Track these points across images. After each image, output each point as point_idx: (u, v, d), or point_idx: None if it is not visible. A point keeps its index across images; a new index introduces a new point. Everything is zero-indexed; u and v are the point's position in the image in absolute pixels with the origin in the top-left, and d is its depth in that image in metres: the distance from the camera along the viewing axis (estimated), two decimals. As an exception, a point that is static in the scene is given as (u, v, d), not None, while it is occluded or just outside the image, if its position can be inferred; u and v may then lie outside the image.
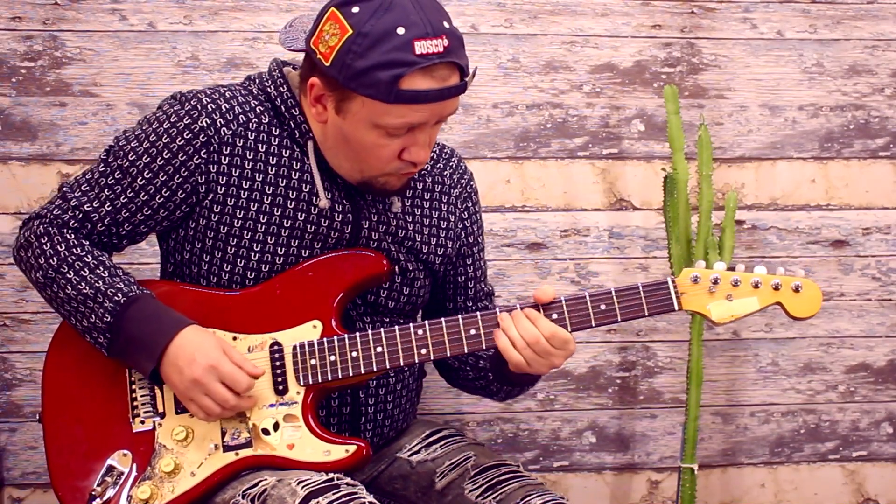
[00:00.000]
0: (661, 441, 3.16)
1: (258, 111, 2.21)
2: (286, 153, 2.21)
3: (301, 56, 2.20)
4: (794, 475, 3.21)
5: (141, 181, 2.18)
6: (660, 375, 3.14)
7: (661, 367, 3.14)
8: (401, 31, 2.00)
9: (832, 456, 3.22)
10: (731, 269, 2.17)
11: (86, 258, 2.16)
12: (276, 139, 2.21)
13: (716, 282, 2.15)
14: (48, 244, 2.17)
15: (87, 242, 2.19)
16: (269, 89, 2.23)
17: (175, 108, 2.19)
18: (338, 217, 2.22)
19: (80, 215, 2.20)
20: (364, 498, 2.01)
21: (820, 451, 3.21)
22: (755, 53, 3.09)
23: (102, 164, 2.22)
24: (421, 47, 2.00)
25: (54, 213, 2.20)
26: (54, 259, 2.16)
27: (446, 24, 2.05)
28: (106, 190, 2.20)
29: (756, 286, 2.15)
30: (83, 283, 2.13)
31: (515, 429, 3.11)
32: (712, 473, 3.19)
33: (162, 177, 2.17)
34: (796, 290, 2.15)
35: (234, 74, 2.90)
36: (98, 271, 2.15)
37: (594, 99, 3.05)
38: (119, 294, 2.12)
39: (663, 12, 3.05)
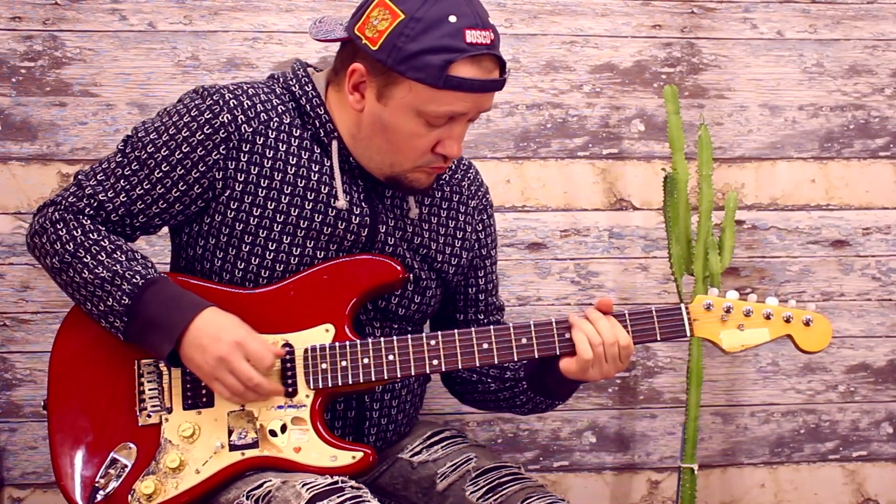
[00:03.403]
0: (661, 441, 3.16)
1: (280, 110, 2.21)
2: (306, 154, 2.21)
3: (304, 56, 2.20)
4: (794, 475, 3.21)
5: (158, 174, 2.17)
6: (660, 375, 3.14)
7: (661, 367, 3.14)
8: (453, 18, 2.05)
9: (832, 456, 3.22)
10: (744, 298, 2.18)
11: (102, 242, 2.15)
12: (297, 140, 2.21)
13: (728, 310, 2.17)
14: (64, 230, 2.16)
15: (103, 228, 2.18)
16: (293, 88, 2.23)
17: (196, 101, 2.18)
18: (355, 220, 2.21)
19: (95, 204, 2.18)
20: (369, 501, 2.01)
21: (820, 451, 3.21)
22: (755, 53, 3.09)
23: (120, 155, 2.21)
24: (471, 36, 2.05)
25: (69, 200, 2.19)
26: (70, 244, 2.15)
27: (490, 20, 2.11)
28: (122, 181, 2.19)
29: (768, 317, 2.17)
30: (100, 267, 2.12)
31: (515, 429, 3.11)
32: (712, 473, 3.20)
33: (179, 170, 2.17)
34: (807, 323, 2.18)
35: (234, 74, 2.90)
36: (115, 255, 2.14)
37: (594, 99, 3.05)
38: (137, 276, 2.12)
39: (663, 12, 3.05)
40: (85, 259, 2.14)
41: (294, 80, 2.24)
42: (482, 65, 2.08)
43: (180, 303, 2.11)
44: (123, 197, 2.19)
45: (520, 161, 3.03)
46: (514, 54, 3.01)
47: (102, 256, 2.13)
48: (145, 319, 2.10)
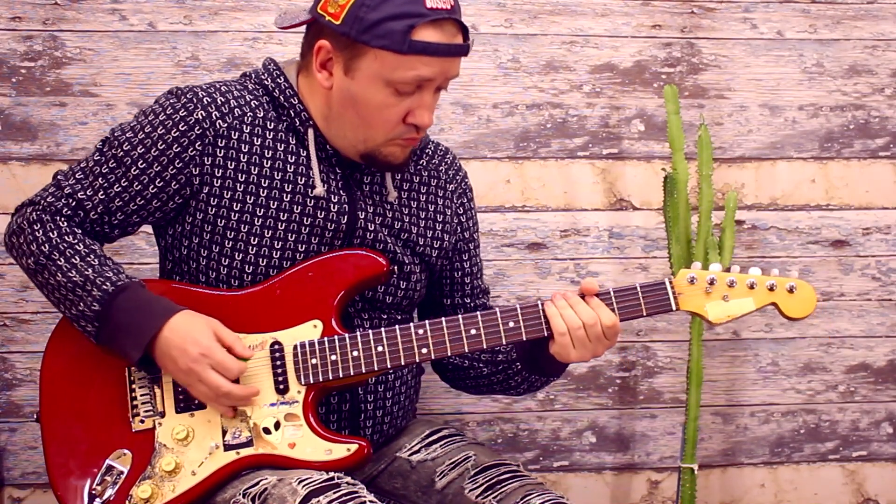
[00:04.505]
0: (661, 441, 3.16)
1: (253, 105, 2.24)
2: (282, 146, 2.23)
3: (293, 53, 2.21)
4: (794, 475, 3.21)
5: (135, 171, 2.20)
6: (660, 375, 3.14)
7: (661, 367, 3.14)
8: None
9: (832, 456, 3.22)
10: (727, 269, 2.19)
11: (77, 246, 2.17)
12: (272, 133, 2.23)
13: (712, 282, 2.17)
14: (40, 231, 2.18)
15: (80, 231, 2.21)
16: (265, 82, 2.26)
17: (171, 101, 2.22)
18: (334, 207, 2.23)
19: (74, 203, 2.21)
20: (364, 497, 2.01)
21: (820, 451, 3.21)
22: (755, 53, 3.09)
23: (98, 153, 2.24)
24: (431, 2, 2.10)
25: (48, 200, 2.22)
26: (46, 246, 2.17)
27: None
28: (100, 179, 2.22)
29: (751, 287, 2.18)
30: (73, 271, 2.15)
31: (515, 429, 3.11)
32: (712, 473, 3.19)
33: (156, 167, 2.19)
34: (791, 290, 2.19)
35: (234, 74, 2.90)
36: (88, 259, 2.16)
37: (594, 99, 3.05)
38: (108, 283, 2.14)
39: (663, 12, 3.05)
40: (59, 262, 2.16)
41: (266, 75, 2.27)
42: (445, 29, 2.12)
43: (149, 310, 2.13)
44: (101, 195, 2.21)
45: (520, 161, 3.04)
46: (514, 54, 3.01)
47: (76, 260, 2.16)
48: (115, 325, 2.13)
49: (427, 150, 2.42)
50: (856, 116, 3.13)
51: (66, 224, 2.20)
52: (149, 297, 2.15)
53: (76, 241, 2.18)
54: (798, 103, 3.11)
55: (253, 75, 2.29)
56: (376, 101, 2.14)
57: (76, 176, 2.23)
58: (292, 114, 2.24)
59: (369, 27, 2.09)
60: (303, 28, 2.25)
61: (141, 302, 2.14)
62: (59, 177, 2.24)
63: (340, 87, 2.17)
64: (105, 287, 2.13)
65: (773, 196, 3.13)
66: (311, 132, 2.23)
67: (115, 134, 2.24)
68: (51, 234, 2.18)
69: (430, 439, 2.39)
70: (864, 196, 3.15)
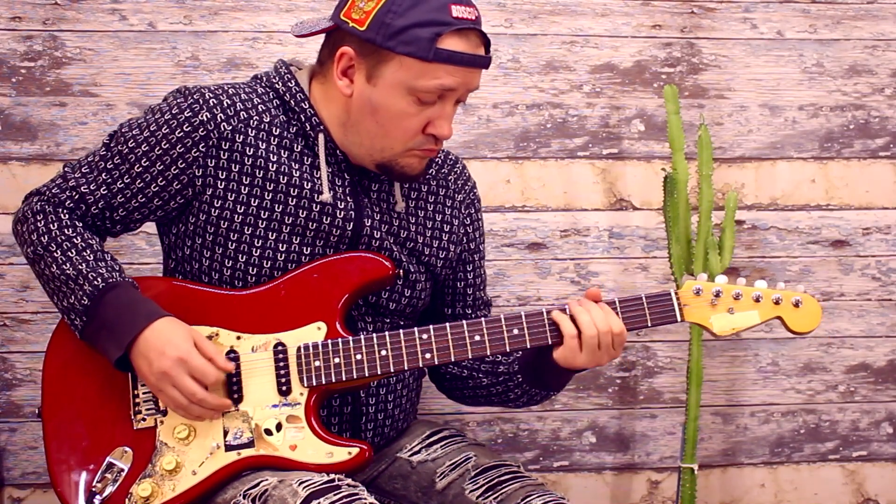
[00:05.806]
0: (661, 441, 3.16)
1: (260, 109, 2.23)
2: (288, 151, 2.22)
3: (304, 56, 2.21)
4: (794, 475, 3.21)
5: (138, 168, 2.20)
6: (660, 375, 3.14)
7: (661, 367, 3.14)
8: None
9: (832, 456, 3.22)
10: (733, 279, 2.19)
11: (75, 239, 2.18)
12: (278, 137, 2.22)
13: (718, 294, 2.17)
14: (42, 221, 2.19)
15: (80, 224, 2.21)
16: (276, 85, 2.25)
17: (178, 100, 2.21)
18: (340, 214, 2.22)
19: (77, 196, 2.22)
20: (365, 499, 2.01)
21: (820, 451, 3.21)
22: (755, 53, 3.09)
23: (104, 149, 2.25)
24: (457, 11, 2.10)
25: (53, 191, 2.23)
26: (45, 237, 2.18)
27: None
28: (104, 174, 2.22)
29: (757, 300, 2.18)
30: (67, 264, 2.15)
31: (515, 429, 3.11)
32: (712, 473, 3.19)
33: (159, 166, 2.19)
34: (796, 304, 2.19)
35: (234, 74, 2.90)
36: (84, 254, 2.16)
37: (594, 99, 3.05)
38: (99, 279, 2.14)
39: (663, 12, 3.05)
40: (55, 254, 2.16)
41: (277, 78, 2.26)
42: (469, 39, 2.12)
43: (134, 311, 2.13)
44: (104, 190, 2.22)
45: (520, 161, 3.03)
46: (514, 54, 3.01)
47: (72, 254, 2.16)
48: (101, 322, 2.13)
49: (437, 159, 2.41)
50: (856, 116, 3.13)
51: (67, 217, 2.20)
52: (137, 298, 2.15)
53: (75, 234, 2.19)
54: (798, 103, 3.11)
55: (264, 78, 2.28)
56: (397, 110, 2.14)
57: (82, 169, 2.24)
58: (302, 118, 2.23)
59: (396, 33, 2.09)
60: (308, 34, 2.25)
61: (129, 301, 2.14)
62: (66, 169, 2.25)
63: (361, 94, 2.16)
64: (96, 283, 2.13)
65: (773, 196, 3.13)
66: (321, 137, 2.23)
67: (122, 130, 2.24)
68: (51, 225, 2.18)
69: (431, 440, 2.39)
70: (864, 196, 3.15)
